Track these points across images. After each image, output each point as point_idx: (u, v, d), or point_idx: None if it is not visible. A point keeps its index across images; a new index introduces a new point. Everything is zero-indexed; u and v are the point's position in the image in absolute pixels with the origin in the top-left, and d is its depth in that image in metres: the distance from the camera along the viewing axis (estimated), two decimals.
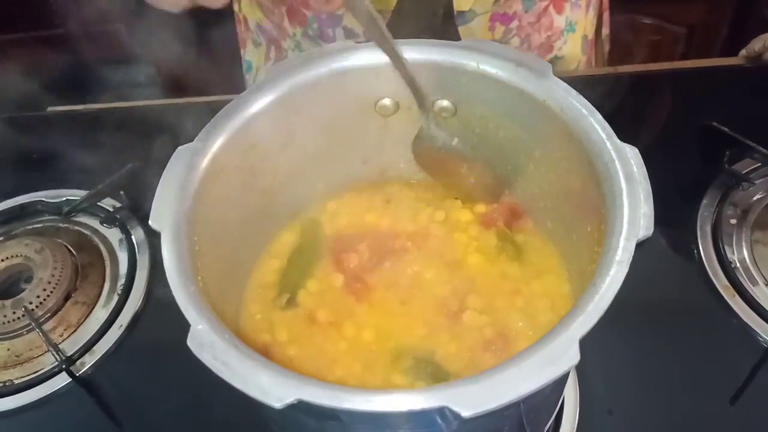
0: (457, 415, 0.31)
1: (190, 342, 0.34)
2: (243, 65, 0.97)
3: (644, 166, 0.38)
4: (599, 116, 0.41)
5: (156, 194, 0.40)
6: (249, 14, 0.89)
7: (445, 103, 0.49)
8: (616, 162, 0.39)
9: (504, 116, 0.47)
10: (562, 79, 0.43)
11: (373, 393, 0.32)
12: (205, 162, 0.42)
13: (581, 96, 0.42)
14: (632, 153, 0.39)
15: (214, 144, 0.43)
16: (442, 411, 0.31)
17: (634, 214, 0.36)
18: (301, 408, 0.32)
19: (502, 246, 0.50)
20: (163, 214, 0.39)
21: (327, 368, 0.45)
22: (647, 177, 0.38)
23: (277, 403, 0.32)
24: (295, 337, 0.47)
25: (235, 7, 0.94)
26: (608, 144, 0.39)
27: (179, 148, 0.42)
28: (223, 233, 0.45)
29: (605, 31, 0.95)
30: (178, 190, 0.40)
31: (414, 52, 0.46)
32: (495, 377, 0.31)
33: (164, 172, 0.41)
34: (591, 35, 0.87)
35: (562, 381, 0.46)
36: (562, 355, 0.32)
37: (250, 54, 0.94)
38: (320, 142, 0.50)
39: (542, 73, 0.43)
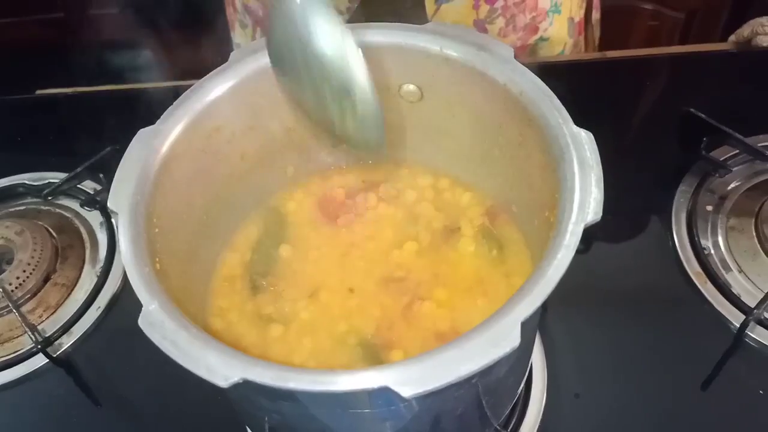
0: (398, 396, 0.31)
1: (141, 322, 0.35)
2: (233, 48, 0.98)
3: (597, 151, 0.38)
4: (557, 101, 0.41)
5: (115, 176, 0.41)
6: None
7: (411, 87, 0.49)
8: (571, 147, 0.39)
9: (468, 101, 0.47)
10: (549, 63, 0.43)
11: (317, 373, 0.32)
12: (166, 145, 0.43)
13: (540, 80, 0.42)
14: (587, 138, 0.39)
15: (175, 127, 0.43)
16: (384, 391, 0.31)
17: (585, 199, 0.36)
18: (251, 387, 0.33)
19: (486, 243, 0.50)
20: (121, 196, 0.40)
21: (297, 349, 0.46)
22: (600, 162, 0.38)
23: (223, 382, 0.32)
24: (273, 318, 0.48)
25: None
26: (564, 129, 0.39)
27: (141, 130, 0.43)
28: (186, 217, 0.45)
29: (595, 15, 0.94)
30: (137, 173, 0.41)
31: (379, 35, 0.47)
32: (437, 358, 0.32)
33: (124, 154, 0.42)
34: (578, 18, 0.86)
35: (518, 363, 0.46)
36: (504, 337, 0.32)
37: (238, 36, 0.95)
38: (288, 125, 0.50)
39: (503, 57, 0.43)
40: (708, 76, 0.80)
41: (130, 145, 0.42)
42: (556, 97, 0.41)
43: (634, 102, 0.76)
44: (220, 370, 0.32)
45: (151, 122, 0.43)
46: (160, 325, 0.34)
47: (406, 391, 0.31)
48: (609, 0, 1.49)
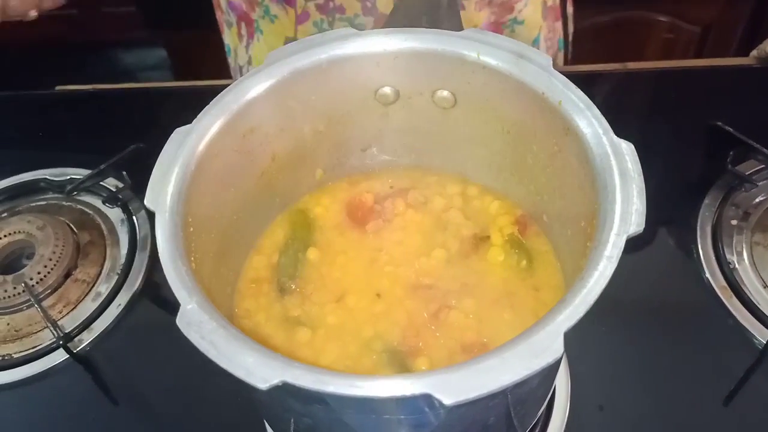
0: (439, 403, 0.31)
1: (179, 321, 0.34)
2: (226, 50, 0.98)
3: (639, 162, 0.38)
4: (596, 111, 0.41)
5: (152, 175, 0.40)
6: None
7: (445, 93, 0.49)
8: (611, 157, 0.38)
9: (503, 108, 0.47)
10: (569, 72, 0.43)
11: (357, 378, 0.32)
12: (201, 144, 0.42)
13: (579, 90, 0.42)
14: (628, 149, 0.39)
15: (211, 127, 0.43)
16: (424, 398, 0.31)
17: (626, 210, 0.36)
18: (286, 390, 0.33)
19: (516, 254, 0.49)
20: (158, 194, 0.40)
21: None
22: (641, 173, 0.38)
23: (262, 385, 0.32)
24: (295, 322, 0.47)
25: None
26: (604, 139, 0.39)
27: (177, 129, 0.43)
28: (218, 217, 0.45)
29: (570, 9, 0.94)
30: (174, 172, 0.41)
31: (415, 41, 0.47)
32: (478, 366, 0.32)
33: (161, 153, 0.42)
34: (551, 2, 0.87)
35: (549, 374, 0.46)
36: (546, 347, 0.32)
37: (227, 37, 0.95)
38: (319, 128, 0.50)
39: (542, 66, 0.43)
40: (731, 89, 0.80)
41: (166, 143, 0.42)
42: (595, 106, 0.41)
43: (657, 114, 0.76)
44: (259, 372, 0.32)
45: (172, 121, 0.43)
46: (198, 324, 0.34)
47: (448, 399, 0.31)
48: (625, 11, 1.50)
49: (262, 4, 0.83)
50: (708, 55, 1.53)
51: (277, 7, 0.82)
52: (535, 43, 0.87)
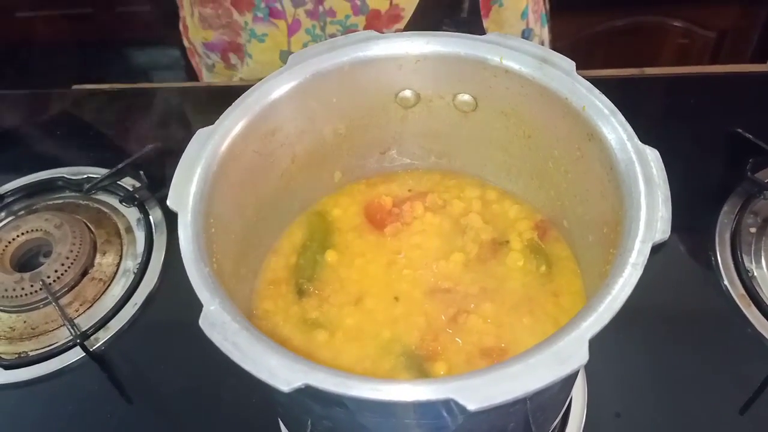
0: (462, 409, 0.31)
1: (202, 322, 0.34)
2: None
3: (664, 169, 0.38)
4: (621, 117, 0.40)
5: (174, 176, 0.41)
6: (195, 37, 0.90)
7: (466, 97, 0.48)
8: (636, 164, 0.38)
9: (525, 113, 0.47)
10: (586, 77, 0.43)
11: (380, 382, 0.32)
12: (224, 145, 0.42)
13: (603, 95, 0.41)
14: (653, 155, 0.38)
15: (234, 128, 0.43)
16: (447, 403, 0.31)
17: (652, 217, 0.36)
18: (308, 393, 0.33)
19: (535, 259, 0.49)
20: (180, 195, 0.40)
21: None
22: (667, 180, 0.37)
23: (285, 387, 0.32)
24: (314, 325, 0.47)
25: (186, 42, 0.94)
26: (629, 145, 0.39)
27: (199, 130, 0.43)
28: (237, 219, 0.45)
29: None
30: (196, 173, 0.41)
31: (437, 44, 0.46)
32: (502, 372, 0.31)
33: (183, 154, 0.42)
34: None
35: (570, 381, 0.46)
36: (571, 354, 0.32)
37: (210, 78, 0.94)
38: (339, 131, 0.50)
39: (566, 71, 0.43)
40: (750, 96, 0.79)
41: (189, 144, 0.42)
42: (619, 112, 0.41)
43: (676, 120, 0.75)
44: (283, 374, 0.32)
45: (189, 121, 0.43)
46: (221, 326, 0.34)
47: (471, 405, 0.31)
48: (640, 16, 1.49)
49: (246, 29, 0.82)
50: (723, 61, 1.53)
51: (264, 25, 0.81)
52: (523, 16, 0.84)
